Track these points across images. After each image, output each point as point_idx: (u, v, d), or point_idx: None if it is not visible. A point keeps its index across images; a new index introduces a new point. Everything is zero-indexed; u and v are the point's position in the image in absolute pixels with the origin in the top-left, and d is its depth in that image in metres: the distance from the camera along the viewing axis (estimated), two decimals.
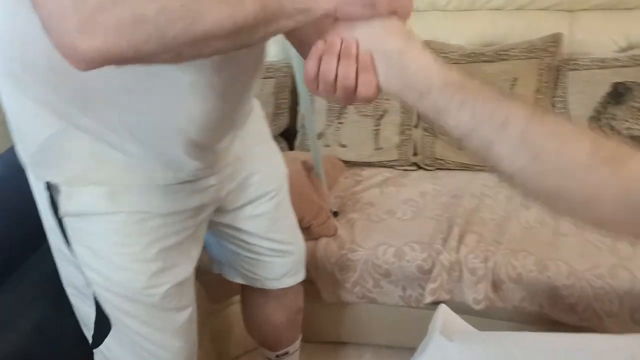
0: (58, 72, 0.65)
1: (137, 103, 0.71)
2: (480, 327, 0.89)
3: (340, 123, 1.77)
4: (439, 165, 1.72)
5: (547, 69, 1.65)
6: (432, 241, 1.37)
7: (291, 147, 1.87)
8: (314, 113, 1.71)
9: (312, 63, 0.62)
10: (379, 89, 0.61)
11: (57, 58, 0.52)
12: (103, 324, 0.86)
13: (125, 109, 0.71)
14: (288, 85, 1.86)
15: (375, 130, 1.74)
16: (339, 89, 0.61)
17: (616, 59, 1.61)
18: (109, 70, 0.54)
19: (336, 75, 0.60)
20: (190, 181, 0.83)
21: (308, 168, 1.50)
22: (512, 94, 0.53)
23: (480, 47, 1.73)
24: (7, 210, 1.01)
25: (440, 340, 0.81)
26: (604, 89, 1.59)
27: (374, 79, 0.60)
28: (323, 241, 1.43)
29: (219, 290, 1.40)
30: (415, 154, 1.75)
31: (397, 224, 1.45)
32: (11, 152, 0.84)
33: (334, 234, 1.45)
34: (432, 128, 1.71)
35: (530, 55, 1.66)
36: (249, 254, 1.05)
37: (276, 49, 1.86)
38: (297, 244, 1.10)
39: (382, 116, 1.74)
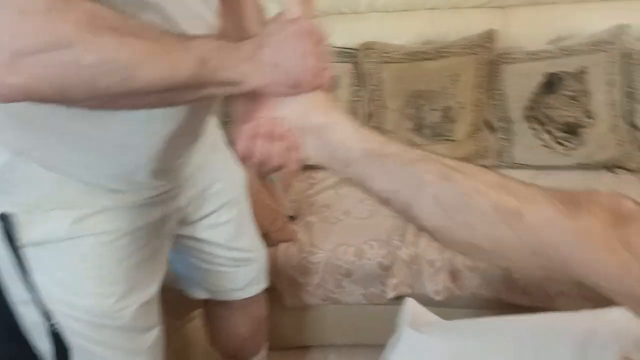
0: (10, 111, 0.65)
1: (94, 138, 0.69)
2: (442, 317, 0.92)
3: None
4: None
5: (485, 64, 1.71)
6: (390, 238, 1.40)
7: None
8: None
9: (242, 143, 0.66)
10: (304, 162, 0.66)
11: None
12: (63, 357, 0.83)
13: (79, 144, 0.70)
14: None
15: None
16: (270, 165, 0.66)
17: (547, 51, 1.69)
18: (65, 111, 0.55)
19: (266, 154, 0.65)
20: (152, 195, 0.82)
21: (261, 174, 1.50)
22: (427, 152, 0.61)
23: (420, 45, 1.78)
24: None
25: (411, 333, 0.83)
26: (538, 80, 1.67)
27: (300, 155, 0.66)
28: (282, 246, 1.44)
29: (178, 307, 1.37)
30: None
31: (354, 224, 1.47)
32: None
33: (292, 239, 1.46)
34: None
35: (468, 51, 1.72)
36: (212, 267, 1.03)
37: None
38: (259, 251, 1.10)
39: None
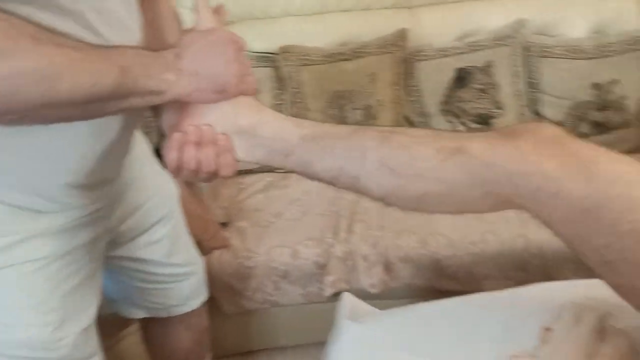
0: None
1: (18, 153, 0.67)
2: (380, 309, 0.95)
3: None
4: None
5: (399, 62, 1.78)
6: (324, 236, 1.43)
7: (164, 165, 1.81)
8: None
9: (172, 154, 0.65)
10: (237, 166, 0.67)
11: None
12: None
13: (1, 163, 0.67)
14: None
15: None
16: (202, 173, 0.65)
17: (456, 47, 1.78)
18: None
19: (198, 162, 0.65)
20: (82, 215, 0.79)
21: (189, 183, 1.48)
22: (361, 125, 0.63)
23: (337, 47, 1.81)
24: None
25: (350, 325, 0.86)
26: (450, 75, 1.76)
27: (233, 158, 0.66)
28: (216, 254, 1.43)
29: (109, 325, 1.33)
30: None
31: (287, 225, 1.49)
32: None
33: (226, 246, 1.45)
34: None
35: (383, 50, 1.77)
36: (150, 285, 1.01)
37: None
38: (197, 263, 1.08)
39: None
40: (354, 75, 1.75)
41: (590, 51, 1.71)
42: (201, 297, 1.10)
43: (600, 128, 1.73)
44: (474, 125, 1.75)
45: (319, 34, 1.84)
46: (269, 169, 1.77)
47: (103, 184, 0.80)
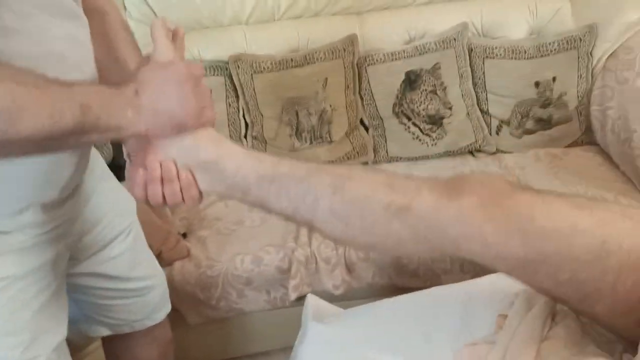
0: None
1: None
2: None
3: None
4: None
5: (350, 67, 1.81)
6: (285, 241, 1.44)
7: (121, 178, 1.78)
8: None
9: (138, 190, 0.69)
10: (202, 196, 0.71)
11: None
12: None
13: None
14: None
15: None
16: (168, 204, 0.69)
17: (404, 51, 1.82)
18: None
19: (163, 197, 0.68)
20: (42, 232, 0.78)
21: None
22: (317, 164, 0.67)
23: (288, 53, 1.83)
24: None
25: (315, 326, 0.88)
26: (400, 78, 1.80)
27: (197, 191, 0.69)
28: (178, 265, 1.42)
29: (70, 345, 1.30)
30: None
31: (248, 232, 1.49)
32: None
33: (187, 256, 1.44)
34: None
35: (334, 56, 1.80)
36: (112, 301, 0.99)
37: None
38: (159, 276, 1.08)
39: None
40: (306, 81, 1.77)
41: (530, 51, 1.79)
42: (164, 309, 1.09)
43: (544, 124, 1.81)
44: (426, 126, 1.81)
45: (270, 41, 1.85)
46: None
47: (62, 201, 0.79)
